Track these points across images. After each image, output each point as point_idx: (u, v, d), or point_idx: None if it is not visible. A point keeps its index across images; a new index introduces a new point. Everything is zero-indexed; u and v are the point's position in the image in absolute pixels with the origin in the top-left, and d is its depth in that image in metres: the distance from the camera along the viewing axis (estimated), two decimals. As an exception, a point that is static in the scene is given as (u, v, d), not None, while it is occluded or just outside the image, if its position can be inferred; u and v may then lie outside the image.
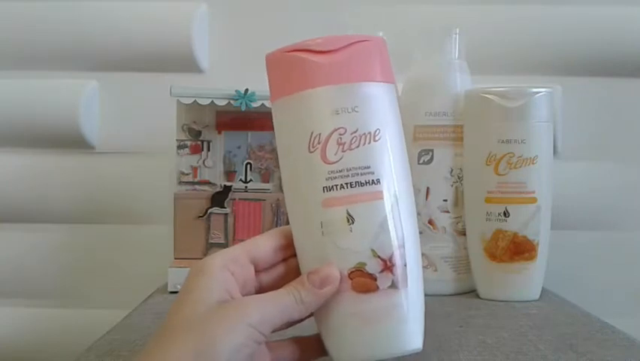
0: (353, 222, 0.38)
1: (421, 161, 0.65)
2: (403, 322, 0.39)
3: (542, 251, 0.62)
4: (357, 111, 0.39)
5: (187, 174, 0.68)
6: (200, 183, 0.68)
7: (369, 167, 0.39)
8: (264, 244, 0.40)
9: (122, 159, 0.82)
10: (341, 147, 0.39)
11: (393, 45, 0.67)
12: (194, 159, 0.68)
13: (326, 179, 0.39)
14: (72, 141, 0.81)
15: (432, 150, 0.65)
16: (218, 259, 0.38)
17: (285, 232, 0.41)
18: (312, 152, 0.39)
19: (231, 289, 0.37)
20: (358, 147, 0.39)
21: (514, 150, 0.61)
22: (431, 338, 0.49)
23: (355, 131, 0.39)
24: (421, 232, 0.64)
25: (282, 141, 0.42)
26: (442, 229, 0.65)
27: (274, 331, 0.37)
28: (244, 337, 0.35)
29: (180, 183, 0.68)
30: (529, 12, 0.80)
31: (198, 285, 0.37)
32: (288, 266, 0.41)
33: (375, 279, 0.38)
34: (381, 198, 0.39)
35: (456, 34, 0.66)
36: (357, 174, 0.39)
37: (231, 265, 0.38)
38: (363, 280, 0.38)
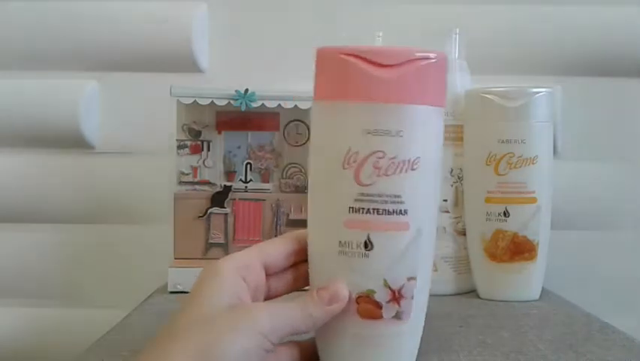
0: (371, 249, 0.37)
1: (421, 161, 0.65)
2: (401, 351, 0.40)
3: (542, 251, 0.62)
4: (401, 136, 0.37)
5: (187, 174, 0.68)
6: (200, 183, 0.68)
7: (400, 196, 0.37)
8: (278, 250, 0.40)
9: (122, 159, 0.82)
10: (377, 170, 0.37)
11: (394, 45, 0.68)
12: (194, 159, 0.68)
13: (355, 200, 0.37)
14: (72, 141, 0.81)
15: (432, 150, 0.65)
16: (232, 263, 0.38)
17: (299, 237, 0.41)
18: (345, 169, 0.37)
19: (242, 294, 0.37)
20: (394, 173, 0.37)
21: (514, 150, 0.61)
22: (431, 338, 0.49)
23: (394, 157, 0.37)
24: (421, 232, 0.65)
25: (318, 146, 0.40)
26: (442, 229, 0.65)
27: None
28: (254, 344, 0.34)
29: (180, 183, 0.68)
30: (529, 12, 0.80)
31: (210, 287, 0.37)
32: (297, 272, 0.41)
33: (381, 308, 0.38)
34: (406, 229, 0.38)
35: (456, 34, 0.66)
36: (386, 202, 0.37)
37: (244, 271, 0.38)
38: (369, 307, 0.38)
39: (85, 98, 0.81)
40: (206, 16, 0.82)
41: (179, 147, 0.68)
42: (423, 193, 0.38)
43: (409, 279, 0.38)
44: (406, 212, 0.37)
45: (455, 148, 0.65)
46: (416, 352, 0.41)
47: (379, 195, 0.37)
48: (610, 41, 0.80)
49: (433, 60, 0.38)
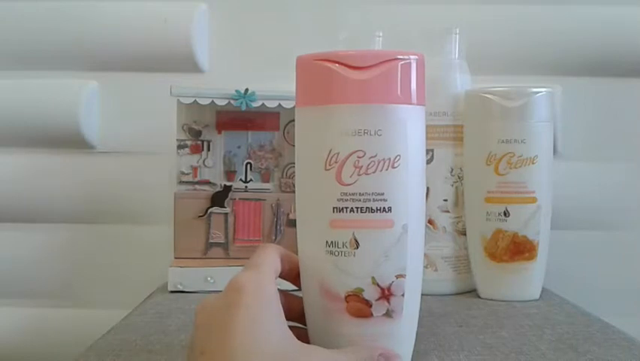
0: (358, 247, 0.38)
1: (421, 161, 0.65)
2: (394, 350, 0.39)
3: (542, 251, 0.62)
4: (379, 135, 0.38)
5: (187, 174, 0.68)
6: (200, 183, 0.68)
7: (382, 194, 0.38)
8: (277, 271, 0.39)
9: (122, 159, 0.82)
10: (357, 170, 0.38)
11: (394, 45, 0.68)
12: (194, 159, 0.68)
13: (337, 200, 0.38)
14: (72, 141, 0.81)
15: (432, 150, 0.65)
16: (270, 278, 0.36)
17: (290, 259, 0.41)
18: (327, 170, 0.38)
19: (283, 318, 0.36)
20: (375, 172, 0.38)
21: (514, 150, 0.61)
22: (431, 338, 0.49)
23: (374, 156, 0.38)
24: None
25: (301, 151, 0.41)
26: (442, 229, 0.65)
27: None
28: None
29: (180, 183, 0.68)
30: (529, 12, 0.80)
31: (264, 312, 0.34)
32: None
33: (371, 306, 0.38)
34: (391, 226, 0.38)
35: (456, 34, 0.66)
36: (370, 200, 0.38)
37: (275, 288, 0.36)
38: (358, 305, 0.38)
39: (85, 98, 0.81)
40: (206, 16, 0.82)
41: (179, 147, 0.68)
42: (405, 190, 0.38)
43: (398, 276, 0.38)
44: (390, 209, 0.38)
45: (455, 148, 0.65)
46: (411, 352, 0.41)
47: (361, 194, 0.38)
48: (610, 41, 0.80)
49: (406, 60, 0.39)
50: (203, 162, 0.68)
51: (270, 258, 0.38)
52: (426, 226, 0.64)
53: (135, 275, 0.80)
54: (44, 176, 0.82)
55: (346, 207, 0.38)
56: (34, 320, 0.83)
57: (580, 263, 0.81)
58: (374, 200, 0.38)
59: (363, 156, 0.38)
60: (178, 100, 0.66)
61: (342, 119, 0.38)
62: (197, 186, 0.68)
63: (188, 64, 0.80)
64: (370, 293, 0.38)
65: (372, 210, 0.38)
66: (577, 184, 0.81)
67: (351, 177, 0.38)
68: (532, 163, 0.61)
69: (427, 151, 0.64)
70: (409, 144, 0.38)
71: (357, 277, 0.38)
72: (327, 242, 0.38)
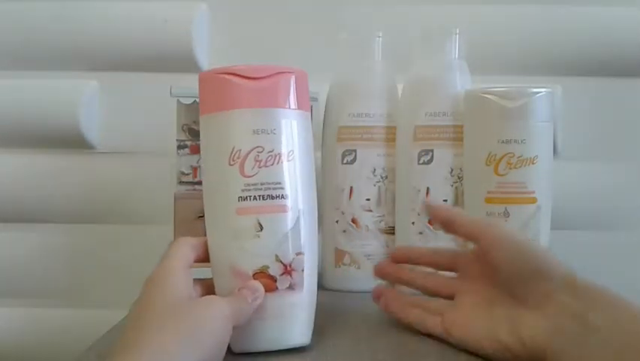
0: (261, 230, 0.44)
1: (421, 161, 0.65)
2: (296, 319, 0.45)
3: (542, 251, 0.62)
4: (275, 133, 0.45)
5: (187, 174, 0.68)
6: (200, 183, 0.68)
7: (280, 183, 0.45)
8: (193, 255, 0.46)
9: (122, 159, 0.82)
10: (258, 163, 0.44)
11: (394, 45, 0.68)
12: (194, 159, 0.68)
13: (242, 190, 0.44)
14: (72, 141, 0.81)
15: (432, 150, 0.65)
16: (184, 263, 0.44)
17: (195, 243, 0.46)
18: (231, 165, 0.44)
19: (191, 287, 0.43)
20: (273, 164, 0.45)
21: (514, 150, 0.61)
22: (431, 338, 0.49)
23: (272, 151, 0.45)
24: (421, 232, 0.65)
25: (207, 152, 0.47)
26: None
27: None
28: (225, 323, 0.41)
29: (180, 183, 0.68)
30: (529, 12, 0.80)
31: (174, 281, 0.42)
32: None
33: (276, 280, 0.44)
34: (288, 211, 0.45)
35: (456, 34, 0.66)
36: (270, 189, 0.44)
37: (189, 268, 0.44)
38: (265, 281, 0.44)
39: (85, 98, 0.81)
40: (206, 16, 0.82)
41: (179, 147, 0.68)
42: (299, 179, 0.46)
43: (298, 254, 0.45)
44: (286, 196, 0.45)
45: (455, 148, 0.65)
46: (312, 324, 0.46)
47: (262, 184, 0.44)
48: (610, 41, 0.80)
49: (290, 74, 0.46)
50: (203, 162, 0.68)
51: (177, 250, 0.44)
52: (426, 226, 0.65)
53: (135, 275, 0.80)
54: (44, 176, 0.82)
55: (250, 196, 0.44)
56: (33, 320, 0.83)
57: (580, 263, 0.81)
58: (273, 188, 0.44)
59: (262, 151, 0.44)
60: (178, 100, 0.66)
61: (243, 120, 0.45)
62: (197, 187, 0.68)
63: (188, 64, 0.80)
64: (275, 269, 0.44)
65: (272, 198, 0.44)
66: (577, 184, 0.81)
67: (252, 169, 0.44)
68: (532, 163, 0.61)
69: (427, 151, 0.65)
70: (299, 140, 0.46)
71: (263, 256, 0.44)
72: (234, 228, 0.44)
